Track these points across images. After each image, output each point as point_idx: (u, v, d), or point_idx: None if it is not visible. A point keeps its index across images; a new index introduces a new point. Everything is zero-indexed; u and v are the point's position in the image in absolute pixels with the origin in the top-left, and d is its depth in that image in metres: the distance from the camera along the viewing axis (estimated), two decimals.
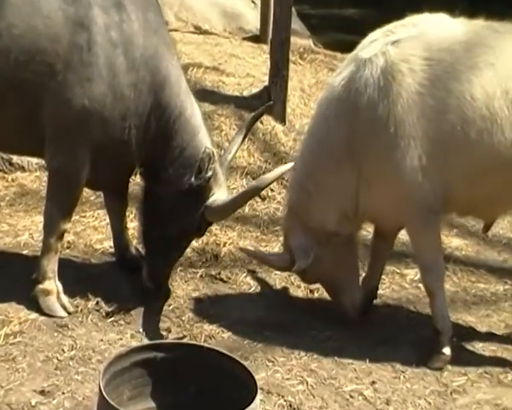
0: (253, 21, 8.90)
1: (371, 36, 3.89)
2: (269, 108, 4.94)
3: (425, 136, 3.69)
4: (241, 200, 3.95)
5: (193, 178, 3.88)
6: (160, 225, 3.99)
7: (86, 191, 4.90)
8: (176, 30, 8.31)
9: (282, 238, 4.36)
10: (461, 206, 3.98)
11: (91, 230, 4.77)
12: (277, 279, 4.57)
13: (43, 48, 3.67)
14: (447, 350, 3.97)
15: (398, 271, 4.78)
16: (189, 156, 3.92)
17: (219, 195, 3.96)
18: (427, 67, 3.71)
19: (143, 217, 4.11)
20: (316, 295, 4.47)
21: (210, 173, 3.86)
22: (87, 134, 3.78)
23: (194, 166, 3.89)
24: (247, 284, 4.50)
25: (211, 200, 3.92)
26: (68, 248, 4.53)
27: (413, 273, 4.79)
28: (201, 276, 4.50)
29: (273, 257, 4.32)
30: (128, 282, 4.28)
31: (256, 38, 8.36)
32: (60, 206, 3.92)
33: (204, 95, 6.42)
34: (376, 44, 3.79)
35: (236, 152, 4.25)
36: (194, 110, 3.99)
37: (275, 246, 4.87)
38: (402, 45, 3.75)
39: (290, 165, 3.86)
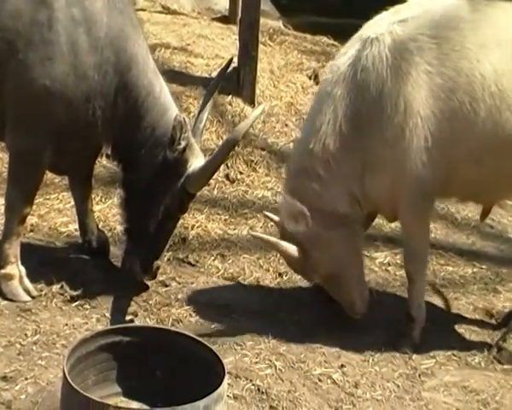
0: (221, 2, 8.82)
1: (376, 17, 3.90)
2: (230, 73, 4.74)
3: (433, 115, 3.70)
4: (219, 158, 3.82)
5: (167, 151, 3.82)
6: (142, 210, 3.93)
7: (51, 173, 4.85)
8: (143, 10, 8.19)
9: (277, 229, 4.19)
10: (463, 190, 3.99)
11: (56, 212, 4.70)
12: (246, 263, 4.56)
13: (2, 24, 3.59)
14: (417, 337, 3.99)
15: (367, 254, 4.79)
16: (161, 135, 3.86)
17: (197, 164, 3.89)
18: (435, 46, 3.72)
19: (124, 204, 4.04)
20: (284, 278, 4.47)
21: (184, 143, 3.79)
22: (49, 115, 3.71)
23: (166, 143, 3.83)
24: (215, 267, 4.48)
25: (189, 170, 3.86)
26: (32, 231, 4.46)
27: (382, 256, 4.81)
28: (169, 259, 4.46)
29: (286, 245, 3.94)
30: (93, 266, 4.23)
31: (225, 19, 8.29)
32: (21, 189, 3.85)
33: (172, 76, 6.32)
34: (382, 24, 3.80)
35: (207, 119, 4.21)
36: (162, 89, 3.95)
37: (243, 229, 4.86)
38: (408, 24, 3.76)
39: (262, 107, 3.82)
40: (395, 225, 5.05)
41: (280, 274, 4.49)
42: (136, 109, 3.85)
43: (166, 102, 3.94)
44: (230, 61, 4.46)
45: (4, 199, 3.94)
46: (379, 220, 5.17)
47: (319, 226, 3.83)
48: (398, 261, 4.76)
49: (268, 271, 4.52)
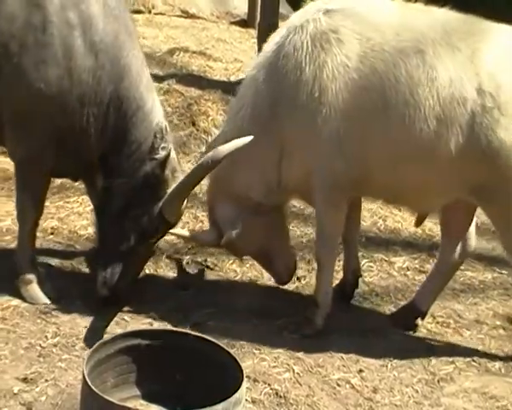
0: (240, 6, 8.88)
1: (307, 5, 3.93)
2: None
3: (346, 109, 3.70)
4: (194, 178, 3.71)
5: (147, 162, 3.74)
6: (115, 224, 3.82)
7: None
8: (162, 14, 8.28)
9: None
10: (382, 193, 3.96)
11: (75, 215, 4.74)
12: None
13: None
14: (320, 322, 4.01)
15: (386, 259, 4.79)
16: (145, 152, 3.78)
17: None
18: (355, 41, 3.72)
19: (97, 215, 3.96)
20: (302, 282, 4.47)
21: (164, 153, 3.72)
22: (46, 120, 3.70)
23: (148, 157, 3.75)
24: (233, 271, 4.50)
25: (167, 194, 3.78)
26: (52, 234, 4.51)
27: (401, 261, 4.80)
28: (187, 263, 4.48)
29: (201, 235, 4.27)
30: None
31: (244, 23, 8.35)
32: (29, 195, 3.86)
33: (191, 80, 6.41)
34: (309, 12, 3.83)
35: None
36: (154, 105, 3.85)
37: None
38: (334, 15, 3.77)
39: (248, 138, 3.66)
40: (414, 229, 5.05)
41: (298, 278, 4.48)
42: (125, 122, 3.79)
43: (156, 120, 3.83)
44: None
45: (15, 206, 3.96)
46: (397, 224, 5.17)
47: (237, 212, 3.97)
48: (417, 266, 4.75)
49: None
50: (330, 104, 3.69)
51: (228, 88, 6.24)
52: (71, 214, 4.76)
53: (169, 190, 3.79)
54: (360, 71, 3.69)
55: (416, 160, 3.72)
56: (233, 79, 6.66)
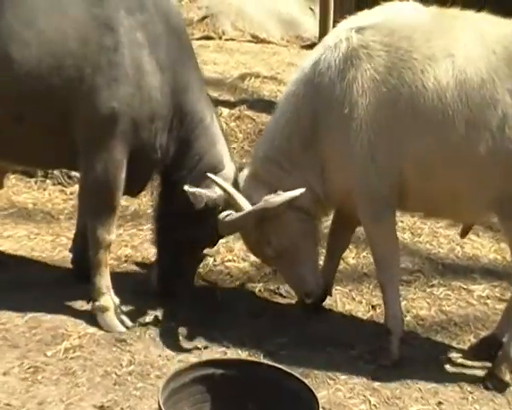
0: (311, 29, 8.95)
1: (342, 22, 4.03)
2: None
3: (376, 122, 3.76)
4: (248, 219, 3.94)
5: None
6: (172, 233, 4.11)
7: (144, 205, 5.01)
8: (233, 39, 8.41)
9: None
10: (418, 202, 3.93)
11: (148, 243, 4.82)
12: (338, 294, 4.56)
13: (72, 52, 3.75)
14: (395, 350, 3.94)
15: (464, 287, 4.71)
16: (207, 165, 4.05)
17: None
18: (384, 54, 3.79)
19: (157, 222, 4.24)
20: (377, 311, 4.44)
21: (202, 205, 3.92)
22: (120, 137, 3.84)
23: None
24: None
25: (224, 214, 3.98)
26: (126, 261, 4.63)
27: (480, 289, 4.71)
28: (260, 290, 4.53)
29: (241, 198, 4.05)
30: (185, 298, 4.31)
31: (315, 47, 8.37)
32: (101, 217, 3.97)
33: (262, 105, 6.47)
34: (343, 30, 3.93)
35: None
36: (213, 120, 4.12)
37: None
38: (365, 31, 3.85)
39: (300, 191, 3.88)
40: (493, 256, 4.97)
41: (373, 306, 4.47)
42: (188, 134, 4.03)
43: (216, 133, 4.11)
44: None
45: (88, 233, 4.05)
46: (476, 251, 5.09)
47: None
48: (498, 294, 4.66)
49: (361, 303, 4.52)
50: (361, 119, 3.77)
51: None
52: (144, 242, 4.87)
53: (228, 212, 3.97)
54: (388, 82, 3.75)
55: (447, 166, 3.74)
56: None
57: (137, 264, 4.66)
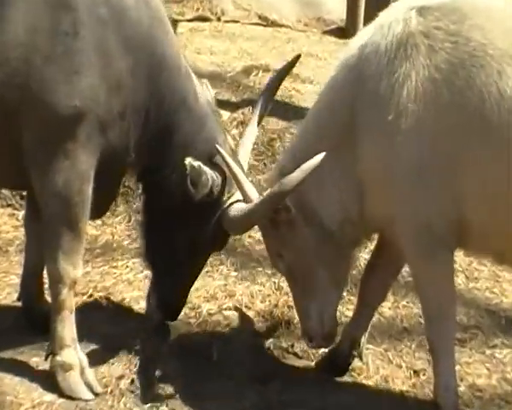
0: (336, 10, 9.00)
1: (400, 1, 3.98)
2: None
3: (431, 135, 3.71)
4: (260, 211, 3.99)
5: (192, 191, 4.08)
6: (167, 242, 4.22)
7: (119, 234, 5.02)
8: (235, 21, 8.47)
9: None
10: (483, 241, 3.87)
11: (125, 285, 4.85)
12: (370, 355, 4.55)
13: (16, 41, 3.74)
14: None
15: None
16: (195, 155, 4.10)
17: (238, 195, 4.13)
18: (450, 46, 3.72)
19: (147, 233, 4.33)
20: (422, 377, 4.43)
21: (207, 189, 4.04)
22: (84, 142, 3.86)
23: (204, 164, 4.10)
24: None
25: (229, 204, 4.11)
26: (96, 307, 4.62)
27: None
28: (269, 349, 4.53)
29: (249, 187, 4.16)
30: (170, 353, 4.33)
31: (341, 32, 8.46)
32: (64, 246, 3.96)
33: (272, 107, 6.42)
34: (401, 9, 3.88)
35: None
36: (197, 95, 4.19)
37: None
38: (428, 14, 3.79)
39: (317, 159, 3.81)
40: None
41: (415, 372, 4.47)
42: (169, 121, 4.10)
43: (203, 112, 4.18)
44: (298, 57, 4.74)
45: (46, 264, 4.07)
46: None
47: (301, 218, 4.04)
48: None
49: (399, 367, 4.52)
50: (410, 131, 3.73)
51: None
52: (119, 282, 4.88)
53: (229, 202, 4.12)
54: (452, 85, 3.70)
55: None
56: None
57: (110, 310, 4.66)
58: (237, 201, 4.14)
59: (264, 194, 3.95)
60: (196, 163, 4.03)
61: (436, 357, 4.00)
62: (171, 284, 4.33)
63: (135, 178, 4.41)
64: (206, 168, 4.06)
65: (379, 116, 3.79)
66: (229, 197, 4.17)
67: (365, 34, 3.96)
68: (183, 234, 4.19)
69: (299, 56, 4.74)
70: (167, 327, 4.50)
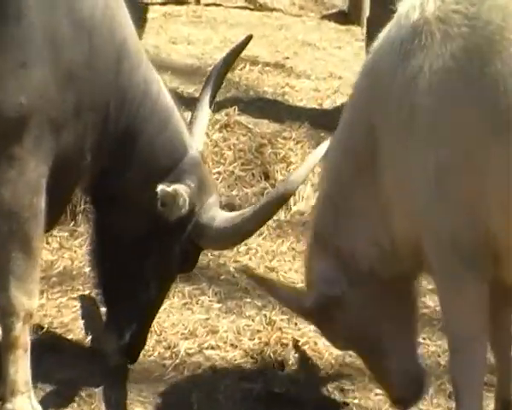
0: None
1: None
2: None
3: (448, 133, 3.81)
4: (262, 217, 4.17)
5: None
6: (127, 269, 4.31)
7: (80, 260, 5.07)
8: (217, 4, 8.47)
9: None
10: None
11: (86, 319, 4.90)
12: (380, 402, 4.65)
13: None
14: None
15: None
16: (159, 160, 4.25)
17: (214, 202, 4.27)
18: (467, 31, 3.80)
19: (101, 260, 4.42)
20: None
21: (183, 212, 4.16)
22: (33, 146, 3.94)
23: (170, 170, 4.24)
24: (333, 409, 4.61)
25: (205, 215, 4.22)
26: (52, 349, 4.66)
27: None
28: (259, 394, 4.58)
29: (294, 296, 4.44)
30: (141, 403, 4.43)
31: (343, 17, 8.49)
32: (17, 270, 4.01)
33: (262, 107, 6.53)
34: None
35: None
36: (160, 89, 4.33)
37: None
38: None
39: (322, 148, 4.05)
40: None
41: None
42: (131, 118, 4.22)
43: (168, 105, 4.32)
44: (250, 37, 4.84)
45: None
46: None
47: (339, 273, 4.22)
48: None
49: None
50: (424, 130, 3.84)
51: (320, 119, 6.36)
52: (79, 317, 4.93)
53: (205, 210, 4.25)
54: (467, 75, 3.80)
55: None
56: (328, 105, 6.83)
57: (69, 351, 4.72)
58: (211, 209, 4.27)
59: (265, 199, 4.12)
60: (170, 188, 4.13)
61: (458, 398, 4.05)
62: (133, 319, 4.40)
63: (85, 192, 4.49)
64: (180, 189, 4.16)
65: (394, 117, 3.92)
66: (201, 207, 4.28)
67: (384, 30, 4.08)
68: (146, 256, 4.28)
69: (250, 37, 4.86)
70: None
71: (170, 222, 4.18)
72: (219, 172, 5.92)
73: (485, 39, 3.80)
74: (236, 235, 4.24)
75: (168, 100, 4.36)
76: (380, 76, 3.99)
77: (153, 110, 4.27)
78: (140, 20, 6.90)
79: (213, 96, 4.66)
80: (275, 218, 5.61)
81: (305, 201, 5.78)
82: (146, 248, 4.27)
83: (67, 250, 5.32)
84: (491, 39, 3.78)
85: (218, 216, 4.23)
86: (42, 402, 4.20)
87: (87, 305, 4.94)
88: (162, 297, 4.51)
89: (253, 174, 5.98)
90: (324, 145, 4.03)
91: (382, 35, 4.07)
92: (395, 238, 4.07)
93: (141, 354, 4.62)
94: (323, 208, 4.29)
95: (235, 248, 5.45)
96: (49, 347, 4.68)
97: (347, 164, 4.13)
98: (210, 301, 5.15)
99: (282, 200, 4.13)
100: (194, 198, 4.22)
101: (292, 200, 5.72)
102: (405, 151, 3.90)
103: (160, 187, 4.11)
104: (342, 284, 4.21)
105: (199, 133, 4.55)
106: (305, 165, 4.07)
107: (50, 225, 4.38)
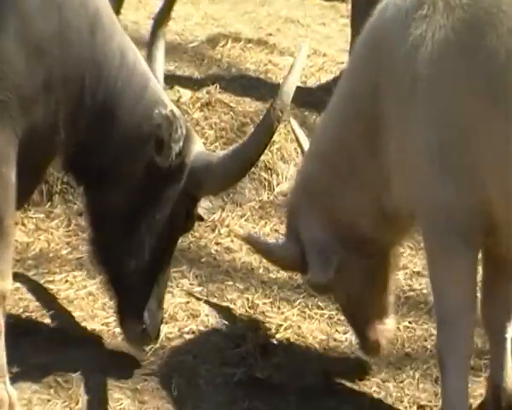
0: None
1: None
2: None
3: (447, 105, 3.84)
4: (265, 134, 4.14)
5: (156, 158, 4.18)
6: (131, 248, 4.27)
7: (56, 242, 5.03)
8: None
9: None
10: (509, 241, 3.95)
11: (65, 302, 4.87)
12: (365, 388, 4.61)
13: None
14: None
15: None
16: (143, 123, 4.21)
17: (201, 147, 4.31)
18: (468, 3, 3.83)
19: (98, 237, 4.38)
20: None
21: (178, 146, 4.14)
22: (1, 120, 3.90)
23: (151, 136, 4.18)
24: (316, 396, 4.54)
25: (194, 164, 4.21)
26: (28, 332, 4.62)
27: None
28: (240, 380, 4.56)
29: (277, 247, 4.59)
30: (121, 389, 4.38)
31: None
32: None
33: (244, 85, 6.53)
34: None
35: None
36: (136, 56, 4.29)
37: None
38: None
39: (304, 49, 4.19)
40: None
41: (420, 407, 4.53)
42: (109, 90, 4.17)
43: (145, 74, 4.28)
44: None
45: None
46: None
47: (330, 243, 4.36)
48: None
49: (401, 401, 4.56)
50: (424, 101, 3.87)
51: (304, 98, 6.35)
52: (56, 301, 4.89)
53: (193, 159, 4.23)
54: (466, 47, 3.81)
55: None
56: (312, 83, 6.79)
57: (45, 335, 4.67)
58: (202, 153, 4.29)
59: (263, 116, 4.15)
60: (167, 110, 4.15)
61: (444, 373, 4.05)
62: (147, 296, 4.38)
63: (65, 168, 4.42)
64: (175, 110, 4.20)
65: (396, 90, 3.96)
66: (191, 155, 4.26)
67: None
68: (148, 225, 4.25)
69: None
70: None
71: (166, 182, 4.19)
72: None
73: (483, 11, 3.81)
74: (241, 165, 4.22)
75: (144, 67, 4.32)
76: (384, 44, 4.02)
77: (130, 80, 4.23)
78: None
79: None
80: (257, 199, 5.63)
81: (288, 181, 5.75)
82: (146, 218, 4.25)
83: (44, 232, 5.26)
84: (489, 11, 3.79)
85: (213, 156, 4.26)
86: (18, 388, 4.16)
87: None
88: (169, 264, 4.48)
89: None
90: (305, 47, 4.19)
91: (380, 8, 4.10)
92: (394, 207, 4.15)
93: (119, 338, 4.60)
94: (319, 164, 4.34)
95: (217, 230, 5.44)
96: (24, 331, 4.63)
97: (350, 128, 4.19)
98: (191, 284, 5.14)
99: (280, 113, 4.08)
100: (184, 145, 4.20)
101: (275, 180, 5.74)
102: (406, 120, 3.93)
103: (156, 111, 4.12)
104: (336, 253, 4.33)
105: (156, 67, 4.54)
106: (292, 72, 4.09)
107: (23, 201, 4.35)
